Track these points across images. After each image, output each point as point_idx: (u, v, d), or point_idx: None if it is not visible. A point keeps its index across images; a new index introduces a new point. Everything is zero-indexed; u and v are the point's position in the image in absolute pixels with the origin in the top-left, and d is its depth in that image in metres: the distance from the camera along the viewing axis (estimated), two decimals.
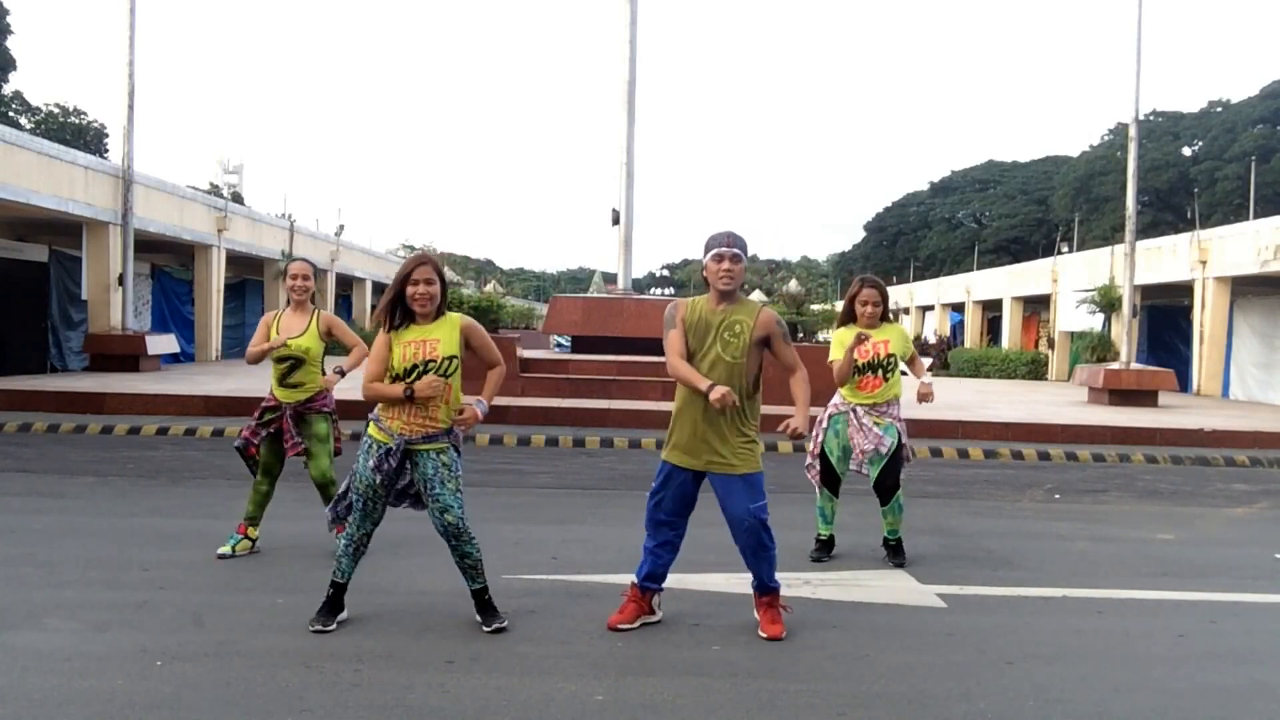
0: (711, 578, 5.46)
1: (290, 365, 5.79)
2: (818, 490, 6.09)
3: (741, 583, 5.25)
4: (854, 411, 5.93)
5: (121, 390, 13.88)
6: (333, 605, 4.53)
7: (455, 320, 4.55)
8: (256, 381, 16.34)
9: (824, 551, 6.10)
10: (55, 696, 3.63)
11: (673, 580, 5.28)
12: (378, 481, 4.43)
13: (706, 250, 4.58)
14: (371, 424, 4.54)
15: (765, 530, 4.53)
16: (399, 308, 4.47)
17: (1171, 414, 16.02)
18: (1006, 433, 13.02)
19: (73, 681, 3.78)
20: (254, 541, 5.86)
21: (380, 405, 4.50)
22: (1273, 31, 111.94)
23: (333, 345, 5.98)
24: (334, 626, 4.47)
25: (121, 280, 18.30)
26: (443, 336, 4.47)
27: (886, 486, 5.93)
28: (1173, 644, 4.68)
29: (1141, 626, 4.94)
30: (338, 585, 4.55)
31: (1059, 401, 18.15)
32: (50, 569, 5.39)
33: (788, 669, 4.15)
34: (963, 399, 17.12)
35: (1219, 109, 51.22)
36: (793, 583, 5.41)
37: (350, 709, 3.58)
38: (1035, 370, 28.59)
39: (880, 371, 5.90)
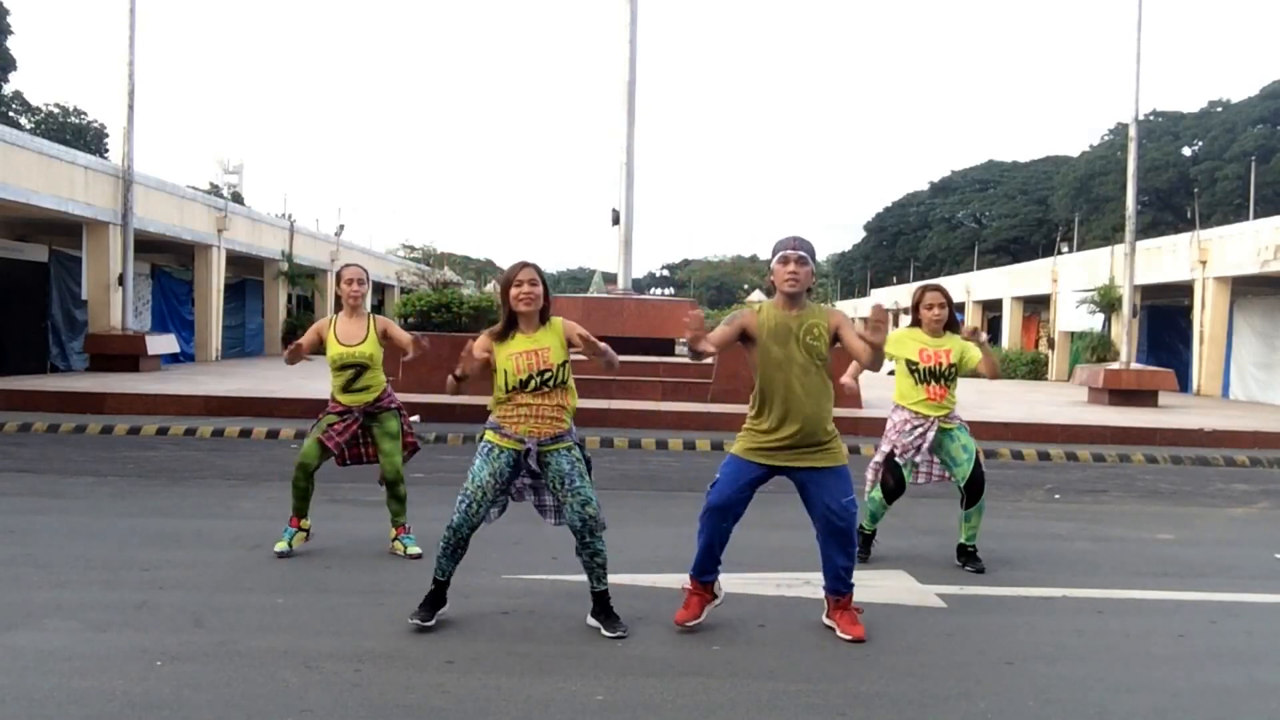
0: None
1: (355, 373, 5.83)
2: (872, 488, 6.10)
3: (742, 582, 5.27)
4: (932, 424, 5.99)
5: (121, 390, 13.89)
6: (433, 601, 4.56)
7: (558, 325, 4.56)
8: (256, 382, 16.35)
9: (864, 548, 6.11)
10: (55, 696, 3.63)
11: (673, 580, 5.29)
12: (489, 484, 4.44)
13: (774, 254, 4.61)
14: (490, 431, 4.53)
15: (855, 525, 4.59)
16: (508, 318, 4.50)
17: (1171, 414, 16.03)
18: (1006, 433, 13.03)
19: (73, 681, 3.78)
20: (308, 531, 5.94)
21: (500, 411, 4.50)
22: (1273, 31, 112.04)
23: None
24: (433, 622, 4.49)
25: (121, 280, 18.31)
26: (552, 344, 4.49)
27: (978, 485, 5.99)
28: (1173, 644, 4.68)
29: (1141, 626, 4.94)
30: (439, 583, 4.57)
31: (1059, 401, 18.16)
32: (50, 569, 5.39)
33: (788, 669, 4.14)
34: (963, 399, 17.03)
35: (1219, 109, 51.24)
36: (792, 583, 5.42)
37: (350, 709, 3.58)
38: (1035, 370, 28.62)
39: (943, 381, 6.00)
